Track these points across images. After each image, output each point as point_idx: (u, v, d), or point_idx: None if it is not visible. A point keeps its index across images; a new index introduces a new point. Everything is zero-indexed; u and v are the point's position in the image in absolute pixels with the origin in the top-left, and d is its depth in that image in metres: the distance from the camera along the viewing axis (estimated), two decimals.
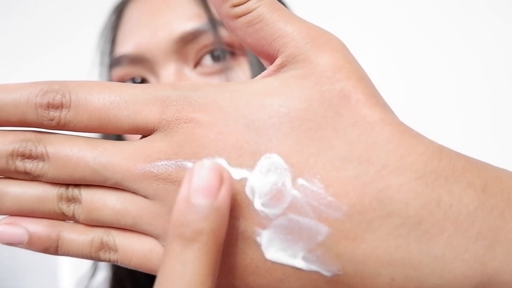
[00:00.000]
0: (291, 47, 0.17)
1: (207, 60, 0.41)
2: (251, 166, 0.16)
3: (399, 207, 0.15)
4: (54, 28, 0.85)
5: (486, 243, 0.15)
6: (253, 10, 0.17)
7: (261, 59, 0.19)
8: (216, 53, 0.40)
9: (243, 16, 0.17)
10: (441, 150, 0.16)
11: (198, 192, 0.15)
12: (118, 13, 0.46)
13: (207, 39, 0.40)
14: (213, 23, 0.39)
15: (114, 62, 0.43)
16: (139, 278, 0.45)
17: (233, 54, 0.41)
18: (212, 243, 0.15)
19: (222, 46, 0.40)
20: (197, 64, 0.41)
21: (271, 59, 0.18)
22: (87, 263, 0.50)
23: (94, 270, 0.49)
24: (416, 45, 0.74)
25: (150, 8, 0.42)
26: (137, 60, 0.41)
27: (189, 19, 0.40)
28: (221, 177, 0.15)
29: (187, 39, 0.40)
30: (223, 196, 0.15)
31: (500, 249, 0.15)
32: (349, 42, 0.19)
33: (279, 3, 0.18)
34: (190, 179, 0.15)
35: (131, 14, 0.44)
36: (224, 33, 0.40)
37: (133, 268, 0.19)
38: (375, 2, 0.75)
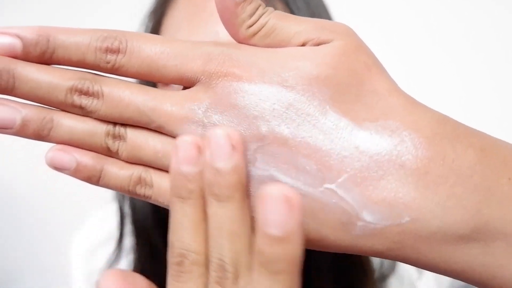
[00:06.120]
0: (311, 37, 0.19)
1: None
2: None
3: (410, 159, 0.18)
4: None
5: (482, 193, 0.18)
6: (266, 24, 0.19)
7: None
8: None
9: (259, 32, 0.20)
10: (445, 117, 0.19)
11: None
12: None
13: None
14: None
15: None
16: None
17: None
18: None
19: None
20: None
21: None
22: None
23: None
24: (415, 41, 0.75)
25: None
26: None
27: None
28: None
29: None
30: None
31: (493, 199, 0.18)
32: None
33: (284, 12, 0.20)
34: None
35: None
36: None
37: (162, 205, 0.21)
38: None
